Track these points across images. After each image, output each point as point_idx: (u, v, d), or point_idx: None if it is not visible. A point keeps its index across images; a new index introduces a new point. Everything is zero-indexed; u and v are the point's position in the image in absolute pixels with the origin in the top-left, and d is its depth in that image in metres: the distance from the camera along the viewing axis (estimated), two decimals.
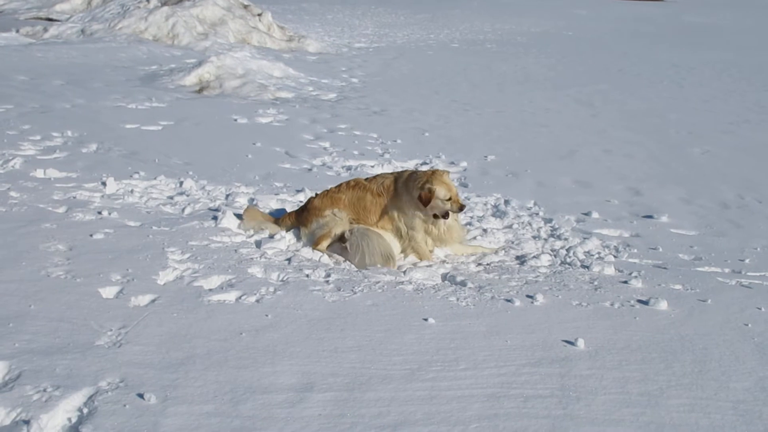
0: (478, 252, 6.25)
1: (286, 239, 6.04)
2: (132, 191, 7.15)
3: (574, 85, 17.71)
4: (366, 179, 6.21)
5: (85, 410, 3.33)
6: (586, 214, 7.60)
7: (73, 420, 3.29)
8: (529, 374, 3.94)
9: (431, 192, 5.80)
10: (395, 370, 3.90)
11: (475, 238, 6.67)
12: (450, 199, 5.84)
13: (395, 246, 6.01)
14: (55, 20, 23.88)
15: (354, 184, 6.14)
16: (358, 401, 3.56)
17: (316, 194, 6.30)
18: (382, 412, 3.48)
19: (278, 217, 6.37)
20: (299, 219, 6.18)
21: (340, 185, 6.21)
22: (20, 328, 4.07)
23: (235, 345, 4.08)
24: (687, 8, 54.07)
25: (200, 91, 14.03)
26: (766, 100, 16.73)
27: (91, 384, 3.53)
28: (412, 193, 5.90)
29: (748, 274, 5.99)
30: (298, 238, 6.12)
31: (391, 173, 6.26)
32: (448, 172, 6.10)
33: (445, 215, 5.90)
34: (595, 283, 5.46)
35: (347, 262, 5.77)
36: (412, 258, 6.05)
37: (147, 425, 3.23)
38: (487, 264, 5.98)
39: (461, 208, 5.92)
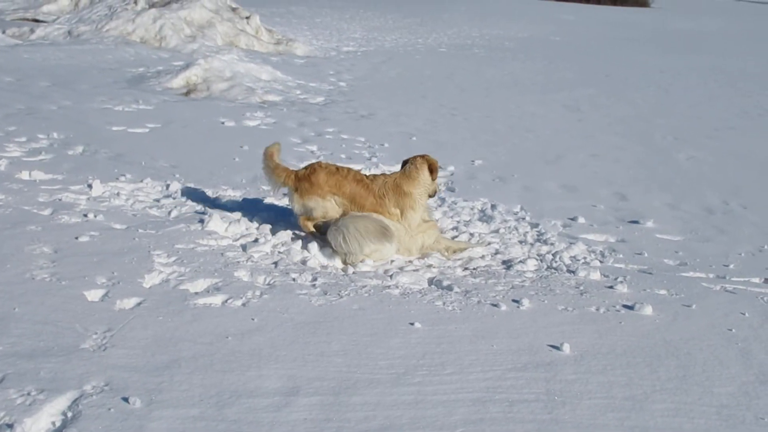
0: (465, 248, 6.36)
1: (271, 242, 6.03)
2: (118, 194, 7.12)
3: (561, 90, 17.79)
4: (368, 177, 6.30)
5: (70, 414, 3.32)
6: (572, 219, 7.63)
7: (58, 424, 3.27)
8: (515, 379, 3.95)
9: (434, 162, 6.33)
10: (381, 375, 3.91)
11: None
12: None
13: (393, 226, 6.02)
14: (42, 21, 23.72)
15: (359, 179, 6.20)
16: (343, 405, 3.56)
17: (320, 164, 6.29)
18: (368, 416, 3.48)
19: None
20: (297, 185, 6.18)
21: (347, 173, 6.21)
22: (4, 330, 4.05)
23: (220, 349, 4.07)
24: (673, 15, 54.47)
25: (187, 93, 13.98)
26: (751, 106, 16.88)
27: (75, 387, 3.51)
28: (414, 175, 6.23)
29: (733, 279, 6.04)
30: (285, 240, 6.10)
31: (391, 174, 6.41)
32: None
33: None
34: (581, 288, 5.49)
35: (334, 260, 5.77)
36: (398, 262, 6.04)
37: (132, 429, 3.22)
38: (474, 269, 5.99)
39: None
